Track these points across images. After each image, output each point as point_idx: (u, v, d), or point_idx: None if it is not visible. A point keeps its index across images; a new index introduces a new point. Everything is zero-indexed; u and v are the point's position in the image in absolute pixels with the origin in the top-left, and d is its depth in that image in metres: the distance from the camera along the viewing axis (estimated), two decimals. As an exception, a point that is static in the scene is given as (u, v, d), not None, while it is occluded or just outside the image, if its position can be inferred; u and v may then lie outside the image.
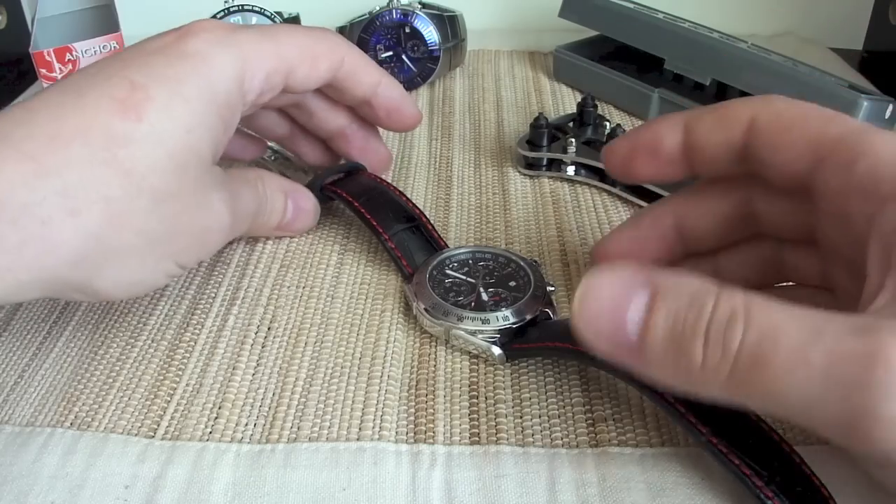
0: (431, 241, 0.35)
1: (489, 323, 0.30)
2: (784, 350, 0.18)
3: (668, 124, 0.28)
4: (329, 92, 0.36)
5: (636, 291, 0.21)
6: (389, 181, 0.39)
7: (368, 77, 0.35)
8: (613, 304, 0.21)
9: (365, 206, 0.36)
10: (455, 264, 0.34)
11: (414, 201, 0.37)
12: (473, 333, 0.30)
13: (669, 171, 0.28)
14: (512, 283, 0.33)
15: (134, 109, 0.26)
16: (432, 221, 0.37)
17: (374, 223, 0.35)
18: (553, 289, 0.33)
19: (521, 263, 0.33)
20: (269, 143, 0.47)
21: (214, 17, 0.50)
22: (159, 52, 0.28)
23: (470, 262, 0.34)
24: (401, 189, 0.38)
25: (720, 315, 0.19)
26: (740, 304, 0.19)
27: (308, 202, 0.36)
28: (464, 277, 0.33)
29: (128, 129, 0.26)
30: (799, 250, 0.28)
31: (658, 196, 0.40)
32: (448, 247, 0.35)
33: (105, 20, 0.52)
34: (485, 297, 0.32)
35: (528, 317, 0.31)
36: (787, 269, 0.29)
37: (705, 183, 0.29)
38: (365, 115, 0.38)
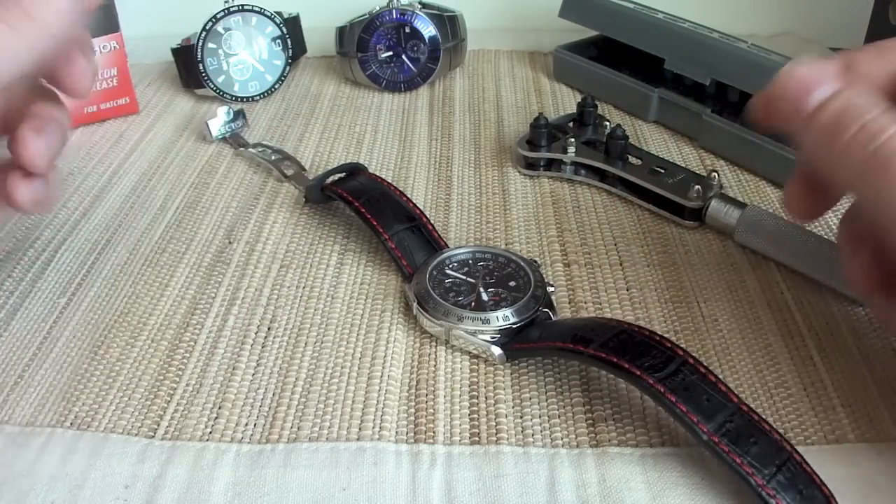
0: (431, 241, 0.35)
1: (489, 323, 0.30)
2: (891, 175, 0.23)
3: (829, 64, 0.27)
4: None
5: (831, 80, 0.25)
6: (390, 181, 0.38)
7: None
8: (809, 81, 0.26)
9: (365, 206, 0.36)
10: (455, 264, 0.34)
11: (414, 201, 0.37)
12: (474, 333, 0.30)
13: None
14: (512, 283, 0.33)
15: None
16: (432, 221, 0.36)
17: (375, 223, 0.35)
18: (553, 289, 0.33)
19: (521, 263, 0.33)
20: (264, 142, 0.47)
21: (214, 17, 0.50)
22: None
23: (470, 262, 0.34)
24: (401, 189, 0.38)
25: (870, 128, 0.23)
26: (890, 130, 0.23)
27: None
28: (464, 277, 0.33)
29: None
30: None
31: (658, 196, 0.40)
32: (448, 247, 0.35)
33: (105, 20, 0.52)
34: (485, 297, 0.32)
35: (528, 317, 0.31)
36: None
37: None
38: None
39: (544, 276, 0.33)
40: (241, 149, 0.46)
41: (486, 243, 0.38)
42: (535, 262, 0.34)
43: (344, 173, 0.39)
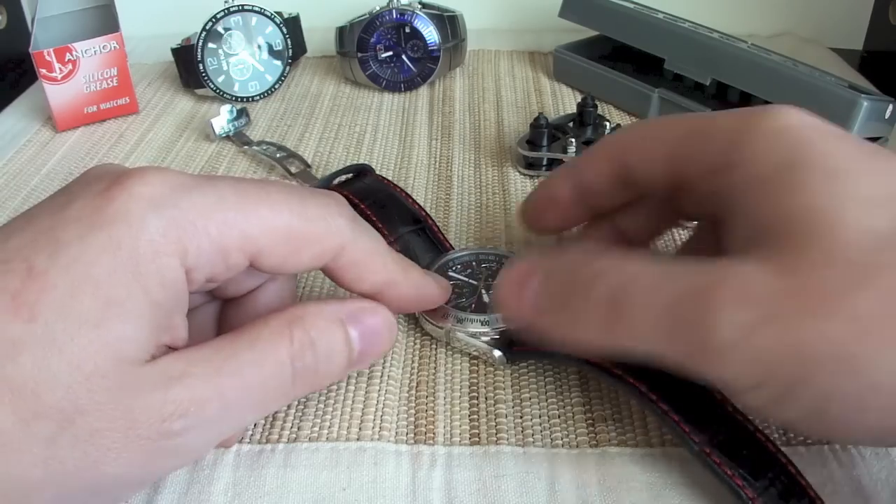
0: (437, 243, 0.35)
1: (490, 325, 0.30)
2: (636, 295, 0.21)
3: (559, 175, 0.30)
4: (324, 272, 0.27)
5: (531, 277, 0.25)
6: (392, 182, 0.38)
7: (374, 276, 0.26)
8: (517, 290, 0.25)
9: (371, 209, 0.36)
10: (458, 266, 0.34)
11: (419, 203, 0.37)
12: (474, 335, 0.30)
13: (572, 216, 0.31)
14: (512, 284, 0.32)
15: (27, 306, 0.20)
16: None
17: (380, 226, 0.35)
18: (553, 289, 0.33)
19: (522, 264, 0.33)
20: (264, 140, 0.47)
21: (214, 17, 0.50)
22: (77, 217, 0.21)
23: (473, 263, 0.34)
24: (406, 191, 0.38)
25: (586, 275, 0.23)
26: (604, 264, 0.23)
27: (377, 317, 0.26)
28: (466, 279, 0.33)
29: (18, 334, 0.20)
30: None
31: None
32: (453, 248, 0.35)
33: (105, 20, 0.52)
34: (486, 298, 0.32)
35: (529, 317, 0.31)
36: (684, 211, 0.29)
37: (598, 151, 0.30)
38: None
39: (544, 276, 0.33)
40: (246, 147, 0.46)
41: (487, 243, 0.38)
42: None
43: (350, 174, 0.39)
